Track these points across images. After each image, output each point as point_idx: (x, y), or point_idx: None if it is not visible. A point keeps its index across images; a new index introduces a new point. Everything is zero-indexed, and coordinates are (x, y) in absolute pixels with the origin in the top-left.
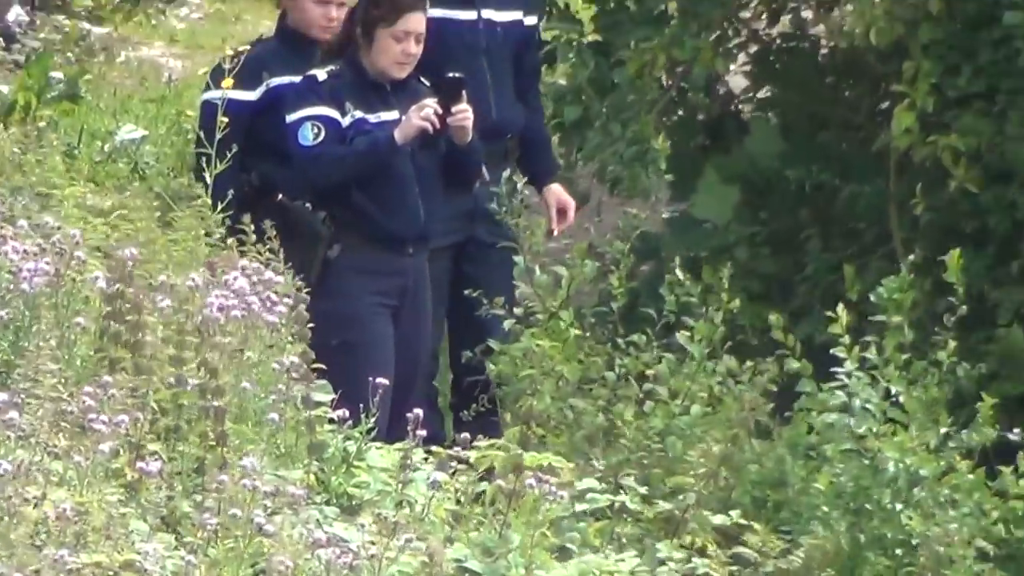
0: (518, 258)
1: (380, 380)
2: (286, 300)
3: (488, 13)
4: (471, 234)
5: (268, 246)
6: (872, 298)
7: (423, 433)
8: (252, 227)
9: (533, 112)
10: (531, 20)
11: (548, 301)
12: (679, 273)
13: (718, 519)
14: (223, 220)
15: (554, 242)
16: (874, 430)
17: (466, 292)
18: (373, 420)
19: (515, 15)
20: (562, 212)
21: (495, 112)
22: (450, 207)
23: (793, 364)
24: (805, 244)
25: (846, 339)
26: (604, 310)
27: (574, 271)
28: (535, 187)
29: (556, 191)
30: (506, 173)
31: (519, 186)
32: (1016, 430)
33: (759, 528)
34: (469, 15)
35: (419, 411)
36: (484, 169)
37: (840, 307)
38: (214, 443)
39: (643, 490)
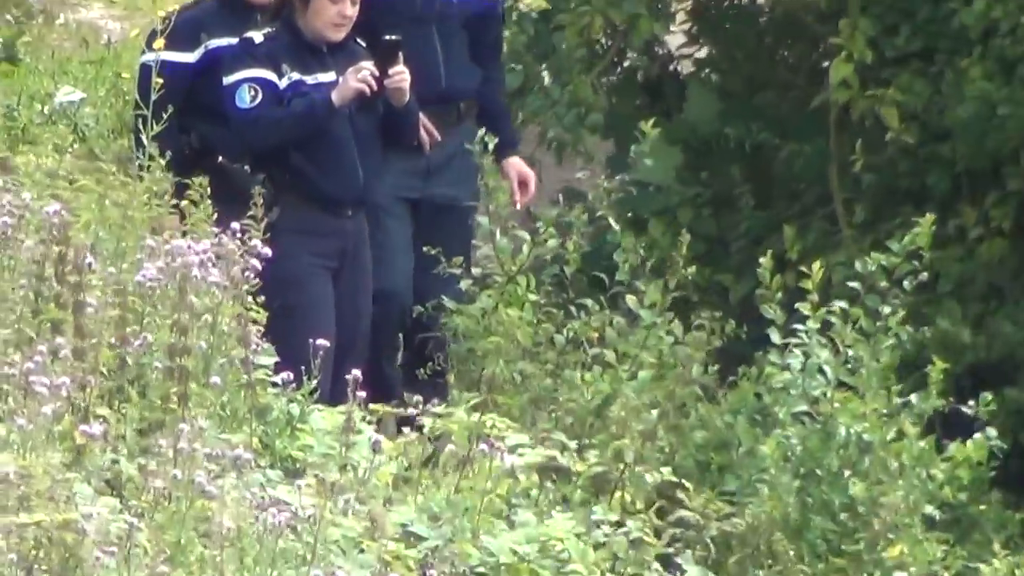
0: (483, 218)
1: (321, 342)
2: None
3: None
4: (425, 194)
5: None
6: (858, 266)
7: (363, 394)
8: (208, 190)
9: (492, 85)
10: None
11: (507, 265)
12: (623, 237)
13: (651, 478)
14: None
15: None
16: (827, 394)
17: (425, 249)
18: (315, 382)
19: None
20: (523, 184)
21: (444, 80)
22: (402, 163)
23: (769, 308)
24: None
25: (815, 296)
26: (558, 274)
27: (537, 239)
28: (495, 159)
29: (516, 164)
30: (481, 132)
31: (490, 147)
32: (971, 403)
33: (691, 488)
34: None
35: (358, 372)
36: (434, 131)
37: (816, 264)
38: (176, 404)
39: (574, 444)
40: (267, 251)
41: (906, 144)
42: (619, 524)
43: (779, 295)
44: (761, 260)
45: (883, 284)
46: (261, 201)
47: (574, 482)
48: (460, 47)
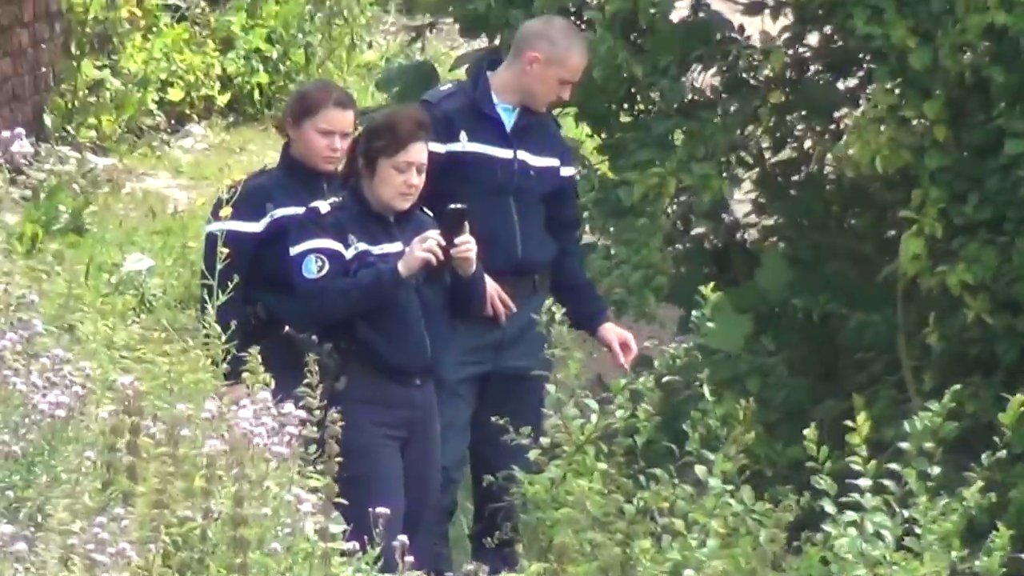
0: (551, 387)
1: (383, 510)
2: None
3: (524, 155)
4: (497, 366)
5: (307, 380)
6: (907, 427)
7: (411, 559)
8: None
9: (572, 257)
10: (568, 171)
11: (576, 434)
12: (707, 395)
13: None
14: (227, 351)
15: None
16: (887, 556)
17: (492, 419)
18: (378, 550)
19: (551, 162)
20: (625, 346)
21: (521, 251)
22: (474, 336)
23: (820, 480)
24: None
25: (863, 450)
26: (628, 442)
27: (606, 408)
28: (587, 332)
29: (611, 328)
30: (548, 302)
31: (558, 316)
32: None
33: None
34: (505, 154)
35: (405, 538)
36: (510, 302)
37: (860, 416)
38: (238, 574)
39: None
40: (302, 414)
41: (974, 305)
42: None
43: (831, 465)
44: (806, 432)
45: (929, 445)
46: (317, 369)
47: None
48: (537, 219)
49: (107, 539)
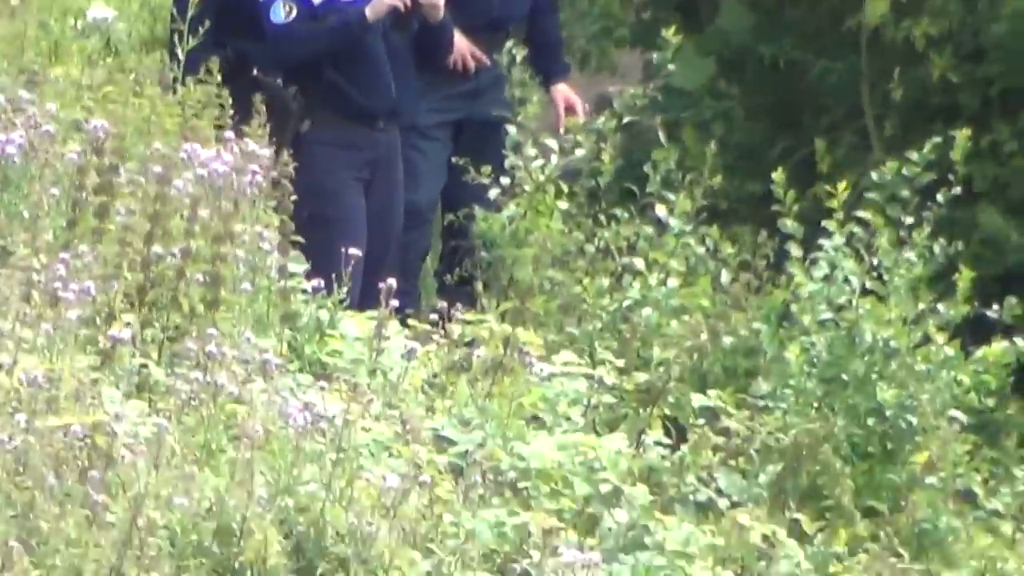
0: (510, 128)
1: (352, 251)
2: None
3: None
4: (473, 112)
5: (257, 120)
6: (875, 177)
7: (395, 303)
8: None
9: (547, 14)
10: None
11: (535, 174)
12: (661, 137)
13: (698, 399)
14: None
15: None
16: (853, 301)
17: (454, 160)
18: (345, 290)
19: None
20: (570, 110)
21: (498, 8)
22: (447, 87)
23: (787, 223)
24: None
25: (839, 213)
26: (592, 185)
27: (566, 148)
28: (544, 87)
29: (563, 90)
30: (509, 44)
31: (519, 59)
32: (995, 307)
33: (732, 409)
34: None
35: (392, 281)
36: (483, 56)
37: (843, 184)
38: (207, 309)
39: (620, 363)
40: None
41: (939, 63)
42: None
43: (795, 208)
44: (774, 175)
45: (905, 194)
46: (280, 111)
47: (606, 391)
48: None
49: (61, 274)
